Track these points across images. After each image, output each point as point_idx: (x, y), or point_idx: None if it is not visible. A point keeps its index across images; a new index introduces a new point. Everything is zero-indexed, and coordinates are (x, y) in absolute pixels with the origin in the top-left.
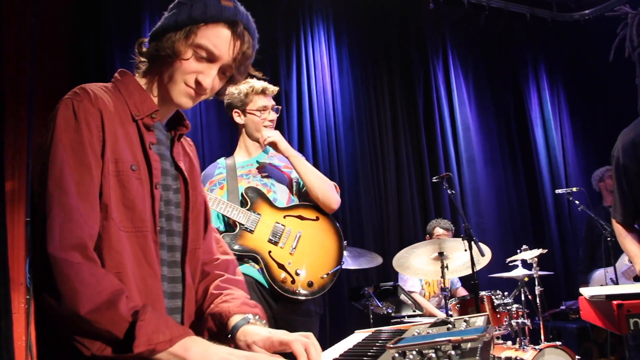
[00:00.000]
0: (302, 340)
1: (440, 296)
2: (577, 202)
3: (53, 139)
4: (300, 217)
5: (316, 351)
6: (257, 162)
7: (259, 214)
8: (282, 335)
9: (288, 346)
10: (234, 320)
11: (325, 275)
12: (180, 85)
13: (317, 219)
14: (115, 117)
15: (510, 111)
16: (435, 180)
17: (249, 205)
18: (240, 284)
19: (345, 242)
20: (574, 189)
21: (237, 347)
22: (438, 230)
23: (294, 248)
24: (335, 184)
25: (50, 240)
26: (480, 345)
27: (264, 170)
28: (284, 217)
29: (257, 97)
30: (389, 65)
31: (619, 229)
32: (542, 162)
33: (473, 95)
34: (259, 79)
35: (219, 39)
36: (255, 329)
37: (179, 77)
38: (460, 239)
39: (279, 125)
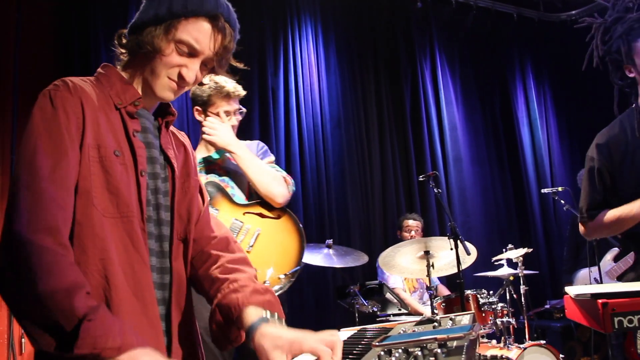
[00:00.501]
0: (328, 341)
1: (421, 291)
2: (562, 201)
3: (30, 126)
4: (261, 215)
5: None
6: (217, 157)
7: (217, 210)
8: (309, 342)
9: (315, 353)
10: (249, 317)
11: (282, 276)
12: (163, 80)
13: (279, 217)
14: (97, 105)
15: (497, 110)
16: (421, 179)
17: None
18: (244, 262)
19: (330, 241)
20: (560, 189)
21: (252, 349)
22: (408, 222)
23: (251, 246)
24: (286, 176)
25: (17, 222)
26: (466, 344)
27: (224, 165)
28: (244, 213)
29: (220, 101)
30: (376, 63)
31: (589, 225)
32: (528, 161)
33: (460, 95)
34: (235, 72)
35: (200, 33)
36: (276, 331)
37: (162, 71)
38: (447, 237)
39: (265, 122)
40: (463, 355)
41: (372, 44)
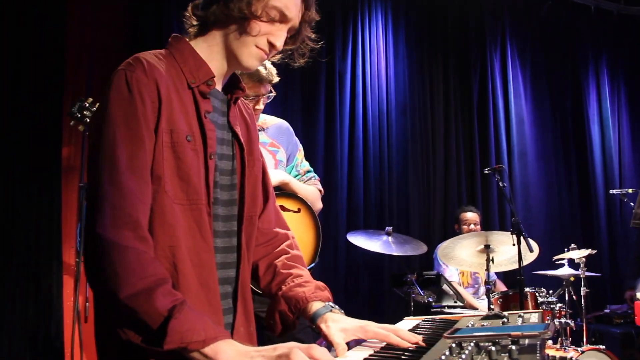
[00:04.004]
0: (398, 332)
1: (476, 286)
2: (632, 204)
3: (106, 112)
4: (282, 208)
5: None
6: None
7: None
8: (376, 327)
9: (384, 338)
10: (314, 306)
11: None
12: (251, 48)
13: (299, 210)
14: (171, 85)
15: (567, 106)
16: (487, 172)
17: None
18: (301, 262)
19: (390, 228)
20: (630, 191)
21: (316, 331)
22: (465, 215)
23: None
24: (317, 182)
25: (100, 219)
26: (539, 342)
27: None
28: None
29: (250, 83)
30: (446, 52)
31: None
32: (596, 160)
33: (529, 88)
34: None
35: (290, 0)
36: (342, 317)
37: (250, 40)
38: (509, 232)
39: (331, 106)
40: (537, 354)
41: (443, 32)
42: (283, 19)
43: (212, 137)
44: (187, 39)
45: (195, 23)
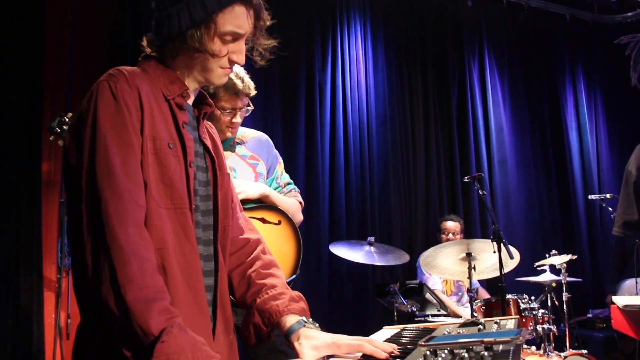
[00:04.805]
0: (372, 342)
1: (459, 294)
2: (610, 208)
3: (95, 121)
4: (263, 220)
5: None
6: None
7: None
8: (348, 340)
9: (358, 349)
10: (288, 321)
11: None
12: (217, 71)
13: (280, 222)
14: (150, 95)
15: (545, 113)
16: (466, 180)
17: None
18: (275, 265)
19: (372, 238)
20: (608, 196)
21: (290, 347)
22: (446, 224)
23: None
24: (298, 195)
25: (105, 222)
26: (512, 348)
27: (228, 160)
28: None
29: (227, 97)
30: (424, 62)
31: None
32: (575, 166)
33: (508, 96)
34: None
35: (238, 18)
36: (315, 333)
37: (214, 65)
38: (490, 240)
39: (311, 118)
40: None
41: (421, 42)
42: (238, 36)
43: (191, 147)
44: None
45: (152, 49)
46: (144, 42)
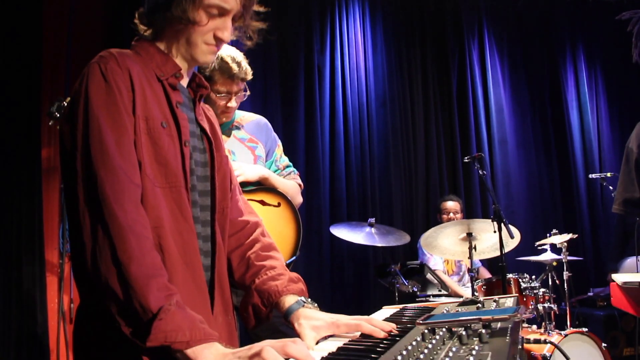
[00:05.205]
0: (371, 321)
1: (460, 274)
2: (610, 187)
3: (87, 102)
4: (262, 202)
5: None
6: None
7: None
8: (346, 319)
9: (356, 328)
10: (287, 302)
11: None
12: (202, 46)
13: (279, 205)
14: (142, 76)
15: (545, 93)
16: (466, 161)
17: None
18: (274, 248)
19: (373, 219)
20: (609, 174)
21: (290, 327)
22: (445, 205)
23: None
24: (297, 177)
25: (102, 200)
26: (510, 325)
27: (227, 143)
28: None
29: (222, 80)
30: (424, 42)
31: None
32: (576, 145)
33: (508, 76)
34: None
35: None
36: (315, 313)
37: (198, 39)
38: (490, 220)
39: (311, 100)
40: (507, 337)
41: (420, 23)
42: (223, 12)
43: (186, 126)
44: (148, 41)
45: (145, 29)
46: (136, 19)
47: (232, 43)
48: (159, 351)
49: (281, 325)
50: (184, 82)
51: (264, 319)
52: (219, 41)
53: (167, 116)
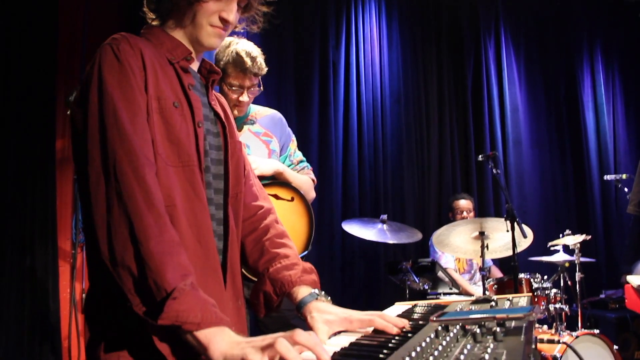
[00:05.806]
0: (384, 317)
1: (471, 272)
2: (626, 189)
3: (101, 83)
4: (276, 197)
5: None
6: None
7: None
8: (359, 314)
9: (369, 324)
10: (300, 293)
11: None
12: (207, 28)
13: (292, 199)
14: (154, 58)
15: (561, 93)
16: (480, 159)
17: None
18: (287, 236)
19: (385, 216)
20: (624, 176)
21: (302, 319)
22: (458, 203)
23: None
24: (310, 172)
25: (123, 178)
26: (524, 325)
27: (241, 136)
28: None
29: (235, 73)
30: (439, 40)
31: None
32: (591, 147)
33: (524, 75)
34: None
35: None
36: (328, 307)
37: (203, 20)
38: (503, 219)
39: (325, 95)
40: (522, 336)
41: (436, 20)
42: None
43: (199, 107)
44: (157, 28)
45: (153, 16)
46: (145, 6)
47: (250, 38)
48: (170, 331)
49: (293, 319)
50: (194, 66)
51: (274, 308)
52: (224, 22)
53: (179, 97)
